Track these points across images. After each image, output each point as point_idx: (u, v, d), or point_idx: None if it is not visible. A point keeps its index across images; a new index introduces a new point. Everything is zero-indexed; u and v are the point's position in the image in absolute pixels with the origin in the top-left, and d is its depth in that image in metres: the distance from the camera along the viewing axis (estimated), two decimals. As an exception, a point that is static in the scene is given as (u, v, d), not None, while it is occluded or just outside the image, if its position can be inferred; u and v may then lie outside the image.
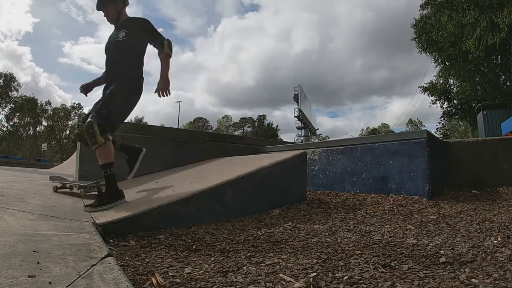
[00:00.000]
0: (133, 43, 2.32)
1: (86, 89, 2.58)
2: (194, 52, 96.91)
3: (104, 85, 2.47)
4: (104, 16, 2.42)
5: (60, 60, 77.75)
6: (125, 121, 2.60)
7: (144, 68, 2.43)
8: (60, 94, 73.21)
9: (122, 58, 2.33)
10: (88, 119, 2.11)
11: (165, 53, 2.33)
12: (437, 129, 25.75)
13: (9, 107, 38.34)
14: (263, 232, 1.83)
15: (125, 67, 2.34)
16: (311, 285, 1.06)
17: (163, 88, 2.30)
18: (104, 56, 2.46)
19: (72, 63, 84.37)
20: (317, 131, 40.81)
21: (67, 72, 79.41)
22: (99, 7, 2.41)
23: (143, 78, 2.42)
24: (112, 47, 2.38)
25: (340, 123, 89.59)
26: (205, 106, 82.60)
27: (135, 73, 2.37)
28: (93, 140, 2.10)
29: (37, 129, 42.52)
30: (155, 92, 2.30)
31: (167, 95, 2.33)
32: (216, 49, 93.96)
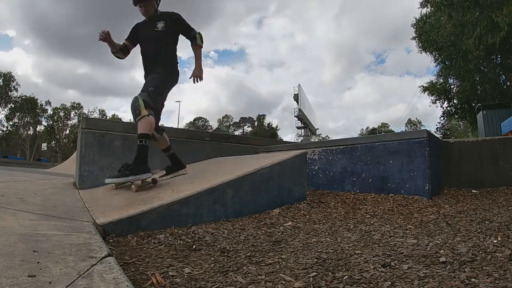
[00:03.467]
0: (171, 33, 2.64)
1: (107, 38, 2.61)
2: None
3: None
4: (140, 11, 2.65)
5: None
6: (125, 121, 2.64)
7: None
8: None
9: (164, 47, 2.63)
10: (136, 96, 2.39)
11: (198, 45, 2.67)
12: (437, 129, 25.74)
13: (9, 106, 38.30)
14: (263, 232, 1.83)
15: (168, 54, 2.65)
16: (311, 285, 1.06)
17: (198, 75, 2.63)
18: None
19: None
20: (317, 130, 40.82)
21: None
22: (136, 3, 2.63)
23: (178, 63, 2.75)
24: (151, 37, 2.63)
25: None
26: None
27: (174, 60, 2.70)
28: (137, 112, 2.32)
29: (37, 129, 42.51)
30: (189, 78, 2.63)
31: (201, 81, 2.65)
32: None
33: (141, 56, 2.76)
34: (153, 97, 2.42)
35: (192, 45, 2.68)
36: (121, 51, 2.75)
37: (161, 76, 2.55)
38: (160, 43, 2.62)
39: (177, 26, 2.66)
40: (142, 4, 2.60)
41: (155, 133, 2.62)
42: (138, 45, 2.81)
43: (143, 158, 2.32)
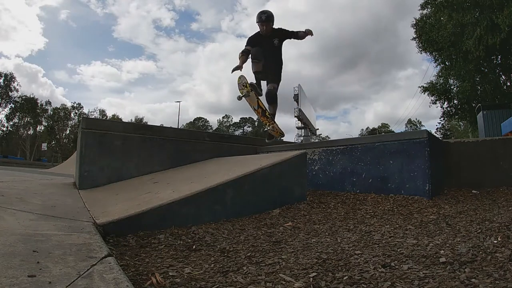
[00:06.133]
0: (281, 47, 3.65)
1: (238, 68, 3.43)
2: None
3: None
4: (261, 28, 3.49)
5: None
6: (125, 121, 2.64)
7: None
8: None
9: (278, 59, 3.66)
10: (271, 88, 3.58)
11: (302, 32, 3.62)
12: (437, 129, 25.71)
13: (9, 107, 38.31)
14: (263, 232, 1.83)
15: (281, 64, 3.70)
16: (311, 285, 1.06)
17: (310, 32, 3.63)
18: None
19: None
20: (317, 131, 40.80)
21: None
22: (260, 21, 3.46)
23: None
24: (270, 53, 3.51)
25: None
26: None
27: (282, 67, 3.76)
28: (274, 99, 3.66)
29: (37, 129, 42.50)
30: (304, 30, 3.62)
31: (312, 34, 3.64)
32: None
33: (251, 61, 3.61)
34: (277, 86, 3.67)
35: (299, 36, 3.61)
36: (244, 57, 3.48)
37: (279, 73, 3.71)
38: (276, 57, 3.64)
39: (285, 37, 3.62)
40: (265, 24, 3.44)
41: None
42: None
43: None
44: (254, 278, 1.12)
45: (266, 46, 3.50)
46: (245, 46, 3.55)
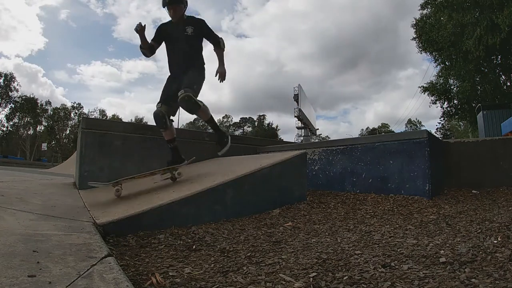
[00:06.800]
0: (199, 37, 2.94)
1: (142, 30, 2.78)
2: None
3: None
4: (169, 13, 2.86)
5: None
6: (125, 121, 2.66)
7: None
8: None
9: (194, 49, 2.94)
10: (184, 93, 2.62)
11: (222, 49, 2.96)
12: (437, 129, 25.71)
13: (9, 107, 38.31)
14: (263, 232, 1.83)
15: (198, 55, 2.98)
16: (311, 285, 1.06)
17: (222, 72, 2.95)
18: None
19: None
20: (317, 131, 40.81)
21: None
22: (165, 5, 2.82)
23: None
24: (182, 40, 2.87)
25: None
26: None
27: (203, 60, 3.01)
28: (196, 106, 2.69)
29: (37, 129, 42.50)
30: (215, 76, 2.94)
31: (224, 80, 2.97)
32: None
33: (167, 55, 3.04)
34: (197, 93, 2.79)
35: (215, 49, 2.97)
36: (149, 49, 2.94)
37: (199, 75, 2.91)
38: (190, 45, 2.90)
39: (204, 31, 2.94)
40: (172, 7, 2.81)
41: (168, 120, 2.87)
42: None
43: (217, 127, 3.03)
44: (254, 278, 1.12)
45: (176, 35, 2.88)
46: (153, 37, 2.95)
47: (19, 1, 65.79)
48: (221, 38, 2.97)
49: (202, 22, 2.97)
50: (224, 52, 3.00)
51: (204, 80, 2.98)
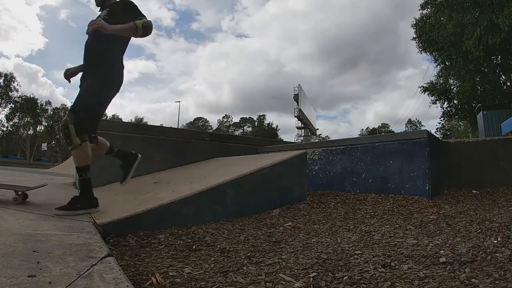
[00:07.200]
0: (112, 23, 1.95)
1: (70, 75, 2.22)
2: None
3: None
4: None
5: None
6: (125, 121, 2.59)
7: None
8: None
9: (99, 42, 2.02)
10: (65, 118, 1.94)
11: (135, 24, 1.97)
12: (437, 129, 25.70)
13: (9, 107, 38.29)
14: (263, 232, 1.83)
15: (104, 52, 2.05)
16: (311, 285, 1.06)
17: (98, 24, 1.89)
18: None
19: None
20: (317, 131, 40.81)
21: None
22: None
23: (123, 67, 2.14)
24: (89, 32, 2.01)
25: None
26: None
27: (111, 59, 2.09)
28: (68, 141, 1.91)
29: (37, 129, 42.49)
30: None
31: (96, 27, 1.88)
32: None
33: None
34: (85, 117, 1.93)
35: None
36: None
37: (95, 86, 1.99)
38: (95, 37, 2.00)
39: (126, 13, 2.02)
40: None
41: (91, 146, 2.07)
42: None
43: (89, 192, 1.95)
44: (254, 278, 1.12)
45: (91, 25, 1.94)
46: None
47: (19, 1, 65.95)
48: (149, 20, 2.03)
49: (122, 3, 2.11)
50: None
51: (110, 90, 2.08)
